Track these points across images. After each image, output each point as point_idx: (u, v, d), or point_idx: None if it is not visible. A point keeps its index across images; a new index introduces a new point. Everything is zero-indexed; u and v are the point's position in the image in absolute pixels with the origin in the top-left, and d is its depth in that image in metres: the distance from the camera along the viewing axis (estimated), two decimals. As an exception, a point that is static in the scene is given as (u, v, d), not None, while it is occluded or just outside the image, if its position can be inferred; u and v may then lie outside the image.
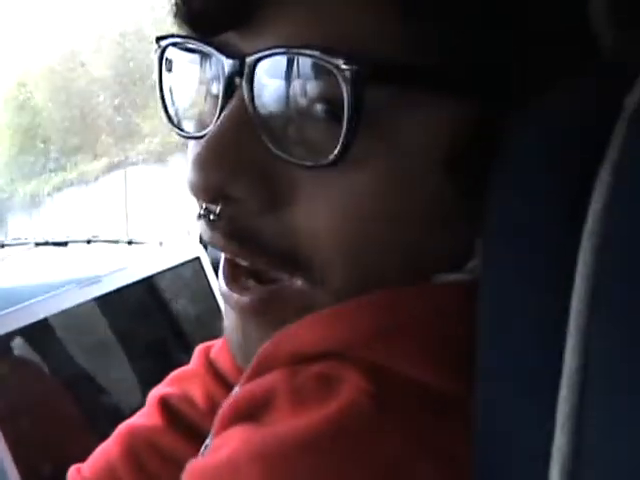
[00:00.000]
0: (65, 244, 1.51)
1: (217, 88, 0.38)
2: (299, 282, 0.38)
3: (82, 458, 0.61)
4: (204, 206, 0.38)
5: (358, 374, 0.33)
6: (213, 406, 0.58)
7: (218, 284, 0.41)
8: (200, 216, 0.38)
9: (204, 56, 0.39)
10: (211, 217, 0.37)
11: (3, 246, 1.49)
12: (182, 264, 1.06)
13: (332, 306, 0.37)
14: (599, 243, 0.28)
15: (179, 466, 0.54)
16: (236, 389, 0.43)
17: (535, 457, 0.29)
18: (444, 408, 0.33)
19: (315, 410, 0.33)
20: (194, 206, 0.41)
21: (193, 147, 0.39)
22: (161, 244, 1.51)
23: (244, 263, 0.39)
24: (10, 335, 0.83)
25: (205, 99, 0.40)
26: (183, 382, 0.61)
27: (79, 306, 0.91)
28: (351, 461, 0.32)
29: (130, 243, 1.56)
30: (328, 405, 0.32)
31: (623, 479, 0.26)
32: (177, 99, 0.42)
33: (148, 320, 1.02)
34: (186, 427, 0.58)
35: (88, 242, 1.53)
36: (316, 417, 0.32)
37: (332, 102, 0.34)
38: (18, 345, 0.85)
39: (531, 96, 0.33)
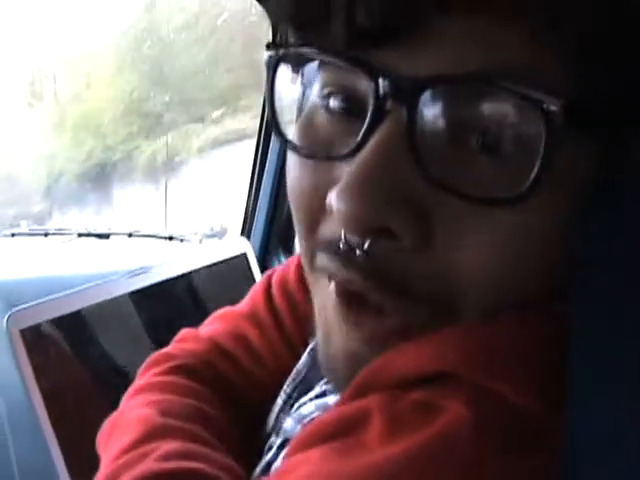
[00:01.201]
0: (107, 236, 1.52)
1: (344, 107, 0.36)
2: (424, 314, 0.36)
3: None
4: (344, 239, 0.35)
5: (460, 402, 0.32)
6: (220, 383, 0.55)
7: (337, 308, 0.38)
8: (337, 248, 0.35)
9: (330, 68, 0.36)
10: (357, 252, 0.34)
11: (47, 235, 1.49)
12: (228, 259, 1.04)
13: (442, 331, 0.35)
14: None
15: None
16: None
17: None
18: (541, 438, 0.32)
19: (410, 436, 0.31)
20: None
21: (316, 170, 0.37)
22: (201, 241, 1.51)
23: (376, 299, 0.36)
24: (45, 324, 0.83)
25: (330, 117, 0.37)
26: (176, 359, 0.56)
27: (121, 297, 0.91)
28: None
29: (171, 239, 1.55)
30: (425, 432, 0.31)
31: None
32: (287, 110, 0.39)
33: (186, 315, 1.01)
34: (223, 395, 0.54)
35: (129, 235, 1.53)
36: (413, 443, 0.31)
37: (519, 137, 0.32)
38: (58, 332, 0.84)
39: None
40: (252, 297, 0.60)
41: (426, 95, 0.32)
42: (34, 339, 0.80)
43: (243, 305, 0.60)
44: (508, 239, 0.33)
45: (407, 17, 0.32)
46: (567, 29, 0.31)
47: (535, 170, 0.31)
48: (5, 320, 0.78)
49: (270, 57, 0.37)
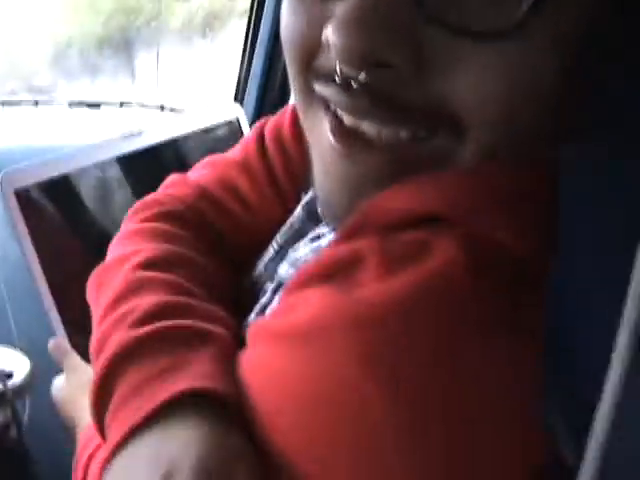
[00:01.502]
0: (98, 106, 1.49)
1: None
2: (437, 143, 0.36)
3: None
4: (341, 73, 0.35)
5: (454, 242, 0.33)
6: (215, 229, 0.56)
7: (330, 140, 0.38)
8: (335, 83, 0.35)
9: None
10: (354, 85, 0.34)
11: (37, 104, 1.47)
12: (220, 125, 1.03)
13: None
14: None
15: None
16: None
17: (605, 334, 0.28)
18: (531, 279, 0.33)
19: (404, 273, 0.32)
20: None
21: (312, 6, 0.36)
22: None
23: (373, 130, 0.36)
24: (38, 187, 0.83)
25: None
26: (163, 204, 0.57)
27: (110, 161, 0.90)
28: (440, 325, 0.31)
29: (162, 108, 1.53)
30: (419, 269, 0.32)
31: None
32: None
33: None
34: (197, 236, 0.55)
35: (121, 105, 1.51)
36: (405, 281, 0.31)
37: None
38: (49, 195, 0.84)
39: None
40: (244, 145, 0.59)
41: None
42: (27, 200, 0.80)
43: (234, 153, 0.60)
44: (503, 73, 0.33)
45: None
46: None
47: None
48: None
49: None
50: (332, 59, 0.35)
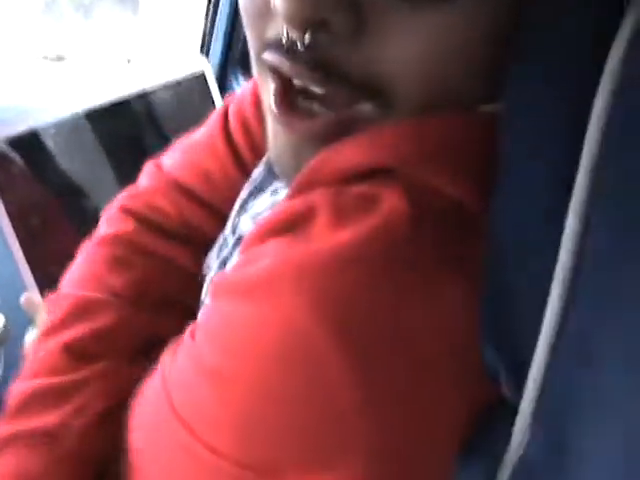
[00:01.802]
0: (62, 59, 1.48)
1: None
2: (369, 107, 0.37)
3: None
4: (288, 37, 0.36)
5: (398, 193, 0.34)
6: (182, 217, 0.59)
7: (272, 108, 0.39)
8: (281, 46, 0.37)
9: None
10: (299, 48, 0.36)
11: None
12: (186, 77, 1.03)
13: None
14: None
15: (164, 261, 0.56)
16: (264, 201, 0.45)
17: (540, 275, 0.31)
18: (473, 225, 0.35)
19: (355, 225, 0.34)
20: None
21: None
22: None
23: (319, 91, 0.37)
24: (6, 142, 0.83)
25: None
26: (142, 196, 0.61)
27: (75, 117, 0.91)
28: (386, 272, 0.33)
29: (128, 61, 1.53)
30: (368, 220, 0.34)
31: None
32: None
33: (144, 134, 1.01)
34: (159, 230, 0.59)
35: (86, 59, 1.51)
36: (356, 231, 0.33)
37: None
38: (14, 153, 0.85)
39: None
40: (210, 127, 0.62)
41: None
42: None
43: (202, 135, 0.63)
44: (437, 36, 0.35)
45: None
46: None
47: None
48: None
49: None
50: (279, 25, 0.36)
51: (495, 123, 0.35)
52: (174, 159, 0.63)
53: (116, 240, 0.58)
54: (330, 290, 0.33)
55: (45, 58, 1.49)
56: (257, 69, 0.41)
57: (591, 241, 0.30)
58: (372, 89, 0.36)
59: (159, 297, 0.56)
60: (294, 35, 0.35)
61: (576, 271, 0.30)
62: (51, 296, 0.58)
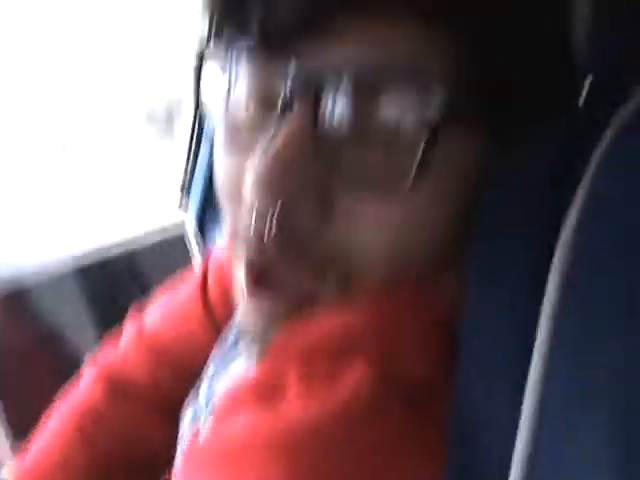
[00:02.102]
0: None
1: (262, 105, 0.39)
2: (332, 285, 0.40)
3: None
4: (254, 224, 0.38)
5: (365, 366, 0.37)
6: (154, 381, 0.62)
7: (242, 282, 0.42)
8: (250, 227, 0.39)
9: (252, 68, 0.39)
10: (265, 236, 0.38)
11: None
12: (166, 231, 1.08)
13: (353, 303, 0.40)
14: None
15: (131, 433, 0.59)
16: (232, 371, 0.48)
17: (500, 456, 0.33)
18: (434, 397, 0.37)
19: (324, 396, 0.36)
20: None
21: (237, 162, 0.40)
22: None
23: (285, 271, 0.40)
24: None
25: (243, 116, 0.40)
26: (118, 359, 0.64)
27: (60, 274, 0.95)
28: (353, 444, 0.35)
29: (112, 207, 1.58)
30: (336, 393, 0.36)
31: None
32: (209, 109, 0.42)
33: (125, 289, 1.05)
34: (129, 398, 0.61)
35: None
36: (325, 404, 0.36)
37: (406, 130, 0.36)
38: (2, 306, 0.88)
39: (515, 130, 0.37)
40: (188, 285, 0.66)
41: (329, 86, 0.36)
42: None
43: (180, 293, 0.66)
44: (400, 220, 0.38)
45: (309, 17, 0.36)
46: (456, 30, 0.36)
47: (417, 161, 0.36)
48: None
49: (199, 52, 0.41)
50: (250, 213, 0.39)
51: (457, 293, 0.38)
52: (152, 316, 0.66)
53: (85, 411, 0.60)
54: (299, 460, 0.35)
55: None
56: (230, 238, 0.44)
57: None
58: (335, 270, 0.39)
59: (123, 469, 0.59)
60: (261, 226, 0.38)
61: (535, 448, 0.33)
62: (18, 462, 0.60)
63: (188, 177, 1.29)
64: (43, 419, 0.64)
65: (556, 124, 0.37)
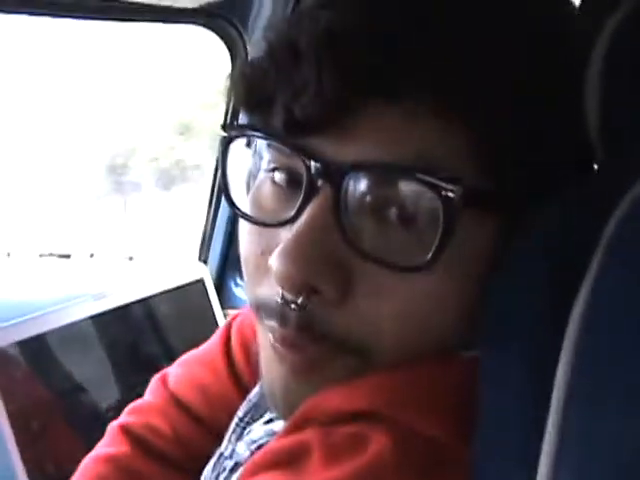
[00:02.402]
0: (68, 256, 1.56)
1: (286, 182, 0.42)
2: (350, 359, 0.42)
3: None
4: (281, 296, 0.41)
5: (384, 435, 0.38)
6: (178, 436, 0.63)
7: (269, 341, 0.44)
8: (274, 306, 0.42)
9: (275, 148, 0.43)
10: (292, 306, 0.41)
11: (9, 255, 1.53)
12: (186, 285, 1.10)
13: (370, 373, 0.42)
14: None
15: None
16: (256, 435, 0.50)
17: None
18: (452, 463, 0.39)
19: (346, 464, 0.38)
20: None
21: (262, 234, 0.43)
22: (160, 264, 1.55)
23: (306, 342, 0.42)
24: (13, 346, 0.88)
25: (268, 190, 0.44)
26: (143, 413, 0.65)
27: (80, 321, 0.96)
28: None
29: (130, 259, 1.60)
30: (357, 460, 0.38)
31: None
32: (234, 183, 0.45)
33: (145, 338, 1.06)
34: (153, 453, 0.62)
35: (91, 256, 1.58)
36: (347, 470, 0.37)
37: (423, 215, 0.39)
38: (20, 356, 0.89)
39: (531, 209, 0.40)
40: (212, 343, 0.67)
41: (349, 177, 0.39)
42: (2, 359, 0.85)
43: (204, 350, 0.68)
44: (417, 298, 0.40)
45: (331, 112, 0.39)
46: (472, 128, 0.39)
47: (436, 242, 0.39)
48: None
49: (224, 137, 0.44)
50: (274, 286, 0.42)
51: (472, 366, 0.40)
52: (177, 373, 0.67)
53: (110, 462, 0.61)
54: None
55: (50, 255, 1.56)
56: (254, 318, 0.46)
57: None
58: (353, 345, 0.42)
59: None
60: (288, 297, 0.41)
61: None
62: None
63: (209, 229, 1.31)
64: (67, 471, 0.64)
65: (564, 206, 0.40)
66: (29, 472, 0.84)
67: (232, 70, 1.09)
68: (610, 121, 0.41)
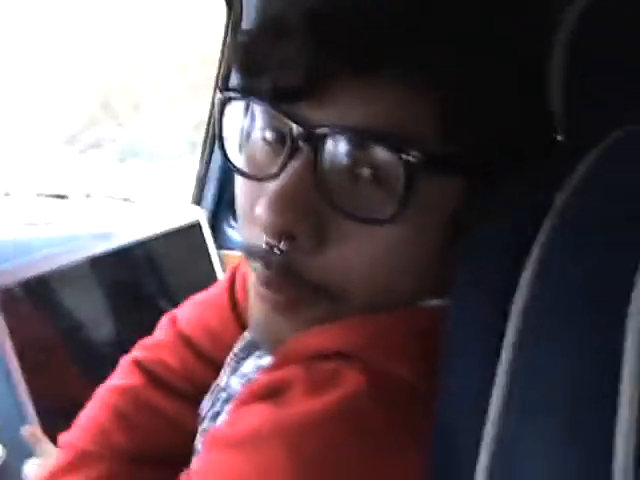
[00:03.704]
0: (65, 197, 1.58)
1: (274, 140, 0.47)
2: (325, 303, 0.48)
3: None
4: (265, 241, 0.46)
5: (359, 371, 0.44)
6: (186, 372, 0.68)
7: (254, 283, 0.49)
8: (259, 252, 0.47)
9: (264, 111, 0.47)
10: (274, 251, 0.46)
11: (7, 195, 1.55)
12: (182, 226, 1.13)
13: (345, 317, 0.47)
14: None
15: (165, 418, 0.64)
16: (243, 370, 0.56)
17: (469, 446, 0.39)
18: (418, 400, 0.44)
19: (325, 396, 0.43)
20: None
21: (252, 186, 0.48)
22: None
23: (286, 284, 0.47)
24: (18, 285, 0.91)
25: (259, 147, 0.49)
26: (154, 349, 0.70)
27: (85, 260, 1.00)
28: (349, 436, 0.42)
29: (125, 200, 1.63)
30: (335, 392, 0.43)
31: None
32: (231, 142, 0.50)
33: (144, 278, 1.10)
34: (164, 386, 0.67)
35: (87, 196, 1.60)
36: (325, 401, 0.42)
37: (388, 175, 0.44)
38: (25, 295, 0.93)
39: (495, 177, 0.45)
40: (219, 286, 0.73)
41: (326, 139, 0.45)
42: (7, 298, 0.89)
43: (211, 292, 0.73)
44: (383, 248, 0.46)
45: (310, 81, 0.44)
46: (438, 97, 0.43)
47: (398, 199, 0.44)
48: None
49: (220, 98, 0.49)
50: (259, 232, 0.47)
51: (437, 315, 0.45)
52: (185, 313, 0.72)
53: (124, 393, 0.66)
54: (303, 446, 0.41)
55: (48, 195, 1.58)
56: (243, 254, 0.52)
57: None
58: (327, 290, 0.47)
59: (159, 454, 0.64)
60: (270, 242, 0.46)
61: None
62: (61, 438, 0.65)
63: (202, 174, 1.34)
64: (78, 406, 0.68)
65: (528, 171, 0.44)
66: (35, 402, 0.89)
67: (229, 27, 1.11)
68: (571, 109, 0.45)
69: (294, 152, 0.45)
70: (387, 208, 0.44)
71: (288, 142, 0.45)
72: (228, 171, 1.32)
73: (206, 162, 1.32)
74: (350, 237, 0.46)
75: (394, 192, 0.44)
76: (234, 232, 1.31)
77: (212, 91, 1.28)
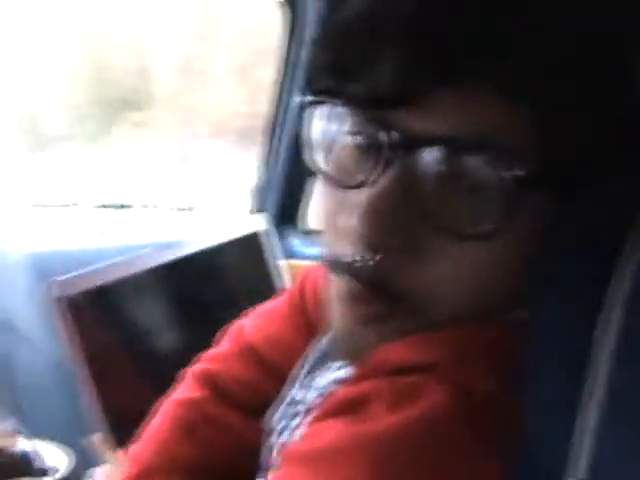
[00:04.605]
0: (129, 207, 1.61)
1: (365, 147, 0.45)
2: (407, 317, 0.46)
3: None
4: (356, 255, 0.45)
5: (440, 385, 0.42)
6: (252, 384, 0.67)
7: (339, 294, 0.48)
8: (345, 264, 0.46)
9: (355, 117, 0.45)
10: (364, 264, 0.44)
11: (74, 205, 1.58)
12: (243, 237, 1.12)
13: (428, 331, 0.45)
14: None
15: (230, 432, 0.63)
16: (325, 385, 0.54)
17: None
18: (499, 412, 0.42)
19: (407, 410, 0.41)
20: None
21: (336, 194, 0.47)
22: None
23: (370, 306, 0.46)
24: (83, 295, 0.92)
25: (347, 153, 0.47)
26: (221, 361, 0.69)
27: (147, 270, 1.00)
28: (432, 451, 0.40)
29: (189, 209, 1.64)
30: (417, 407, 0.41)
31: None
32: (317, 147, 0.48)
33: (207, 287, 1.10)
34: (230, 399, 0.66)
35: (151, 206, 1.63)
36: (408, 416, 0.41)
37: (487, 190, 0.42)
38: (90, 304, 0.94)
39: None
40: (287, 296, 0.71)
41: (423, 149, 0.42)
42: (75, 306, 0.90)
43: (279, 302, 0.72)
44: (476, 264, 0.44)
45: (410, 89, 0.42)
46: (537, 112, 0.41)
47: (498, 215, 0.42)
48: (46, 288, 0.87)
49: (307, 101, 0.47)
50: (349, 243, 0.45)
51: (519, 327, 0.43)
52: (252, 324, 0.71)
53: (190, 406, 0.65)
54: (386, 461, 0.40)
55: (109, 206, 1.61)
56: (326, 264, 0.50)
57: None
58: (414, 303, 0.45)
59: (223, 468, 0.63)
60: (362, 255, 0.44)
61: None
62: (129, 450, 0.65)
63: (264, 182, 1.33)
64: (141, 415, 0.68)
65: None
66: (104, 411, 0.89)
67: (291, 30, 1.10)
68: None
69: (390, 161, 0.43)
70: (485, 223, 0.42)
71: (385, 150, 0.43)
72: (291, 178, 1.31)
73: (268, 169, 1.31)
74: (444, 250, 0.44)
75: (493, 207, 0.42)
76: (297, 241, 1.30)
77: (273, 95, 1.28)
